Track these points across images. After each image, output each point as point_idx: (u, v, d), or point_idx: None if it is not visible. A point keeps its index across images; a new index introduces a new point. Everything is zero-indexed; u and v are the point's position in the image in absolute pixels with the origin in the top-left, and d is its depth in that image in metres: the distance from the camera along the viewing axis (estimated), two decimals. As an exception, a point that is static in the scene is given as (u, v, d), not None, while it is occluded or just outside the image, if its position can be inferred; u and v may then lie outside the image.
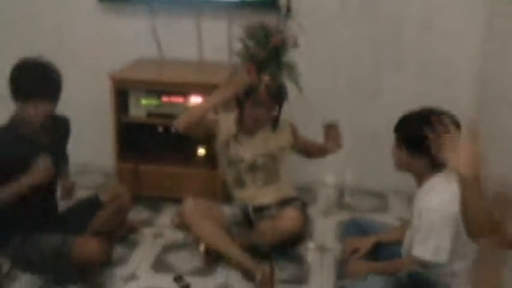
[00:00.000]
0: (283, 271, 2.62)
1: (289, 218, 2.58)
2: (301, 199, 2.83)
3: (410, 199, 3.36)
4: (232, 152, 2.74)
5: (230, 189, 2.84)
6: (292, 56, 2.79)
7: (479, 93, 3.30)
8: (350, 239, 2.49)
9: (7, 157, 2.27)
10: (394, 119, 3.36)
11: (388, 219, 3.09)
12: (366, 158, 3.52)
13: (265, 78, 2.55)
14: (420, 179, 2.19)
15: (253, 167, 2.73)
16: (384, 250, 2.40)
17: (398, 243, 2.33)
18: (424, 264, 2.08)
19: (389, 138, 3.42)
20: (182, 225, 2.72)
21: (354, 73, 3.39)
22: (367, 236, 2.48)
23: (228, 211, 2.76)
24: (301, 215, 2.64)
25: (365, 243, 2.41)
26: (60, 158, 2.54)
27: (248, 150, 2.72)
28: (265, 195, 2.74)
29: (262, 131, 2.73)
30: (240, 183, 2.76)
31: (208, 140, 2.91)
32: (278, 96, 2.63)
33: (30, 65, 2.33)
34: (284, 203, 2.72)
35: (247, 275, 2.55)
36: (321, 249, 2.85)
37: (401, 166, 2.25)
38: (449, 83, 3.33)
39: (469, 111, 3.28)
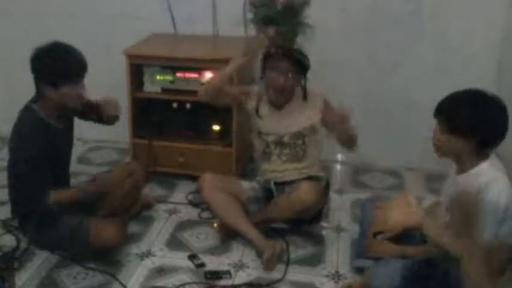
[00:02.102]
0: (298, 250, 2.62)
1: (305, 189, 2.49)
2: (327, 178, 2.75)
3: (427, 177, 3.37)
4: (260, 125, 2.68)
5: (256, 161, 2.82)
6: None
7: (500, 67, 3.23)
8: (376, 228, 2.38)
9: (35, 141, 2.33)
10: (411, 94, 3.35)
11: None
12: (382, 135, 3.48)
13: (270, 31, 2.47)
14: (464, 164, 2.07)
15: (280, 143, 2.66)
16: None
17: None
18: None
19: (405, 114, 3.40)
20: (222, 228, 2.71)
21: (371, 45, 3.33)
22: None
23: (247, 186, 2.75)
24: (318, 187, 2.56)
25: (393, 230, 2.26)
26: (72, 138, 2.63)
27: (275, 125, 2.65)
28: (289, 173, 2.67)
29: (291, 106, 2.64)
30: (266, 156, 2.71)
31: (238, 109, 2.91)
32: (296, 60, 2.52)
33: (56, 49, 2.36)
34: (309, 179, 2.65)
35: (258, 252, 2.54)
36: (337, 228, 2.84)
37: (443, 151, 2.11)
38: (469, 57, 3.26)
39: (489, 86, 3.24)
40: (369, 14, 3.27)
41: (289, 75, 2.53)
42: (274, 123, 2.65)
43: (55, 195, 2.37)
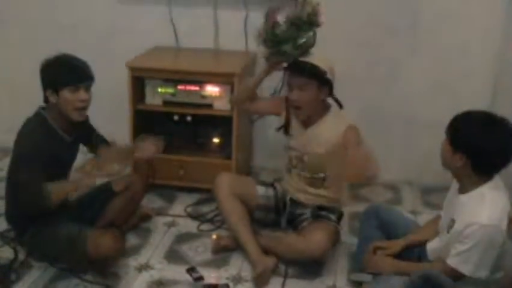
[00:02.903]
0: (296, 264, 2.61)
1: (316, 243, 2.45)
2: (340, 210, 2.73)
3: (424, 191, 3.38)
4: (288, 138, 2.68)
5: (283, 170, 2.80)
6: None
7: (497, 82, 3.26)
8: (377, 243, 2.40)
9: (44, 152, 2.33)
10: (409, 108, 3.37)
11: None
12: (380, 149, 3.47)
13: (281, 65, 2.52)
14: (467, 184, 2.10)
15: (301, 161, 2.63)
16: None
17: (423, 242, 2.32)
18: (459, 276, 2.04)
19: (403, 128, 3.42)
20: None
21: (370, 60, 3.35)
22: (386, 227, 2.48)
23: (261, 192, 2.74)
24: (331, 238, 2.53)
25: (394, 248, 2.34)
26: (76, 155, 2.64)
27: (298, 143, 2.62)
28: (305, 195, 2.67)
29: (318, 126, 2.57)
30: (289, 169, 2.71)
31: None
32: (310, 73, 2.44)
33: (59, 57, 2.43)
34: (322, 209, 2.65)
35: (252, 266, 2.54)
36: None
37: (446, 164, 2.16)
38: (467, 71, 3.29)
39: (486, 101, 3.27)
40: (368, 29, 3.29)
41: (303, 90, 2.47)
42: (298, 140, 2.63)
43: (52, 193, 2.32)
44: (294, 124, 2.65)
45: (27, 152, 2.35)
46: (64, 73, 2.39)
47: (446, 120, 3.31)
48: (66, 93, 2.37)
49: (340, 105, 2.62)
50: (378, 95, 3.41)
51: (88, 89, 2.43)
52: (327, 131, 2.55)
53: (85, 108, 2.45)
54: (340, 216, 2.71)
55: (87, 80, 2.42)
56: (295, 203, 2.70)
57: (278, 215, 2.76)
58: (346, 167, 2.34)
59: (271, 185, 2.81)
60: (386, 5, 3.24)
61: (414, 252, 2.33)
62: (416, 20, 3.25)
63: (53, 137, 2.42)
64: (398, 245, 2.36)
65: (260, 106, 2.81)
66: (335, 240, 2.62)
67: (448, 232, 2.14)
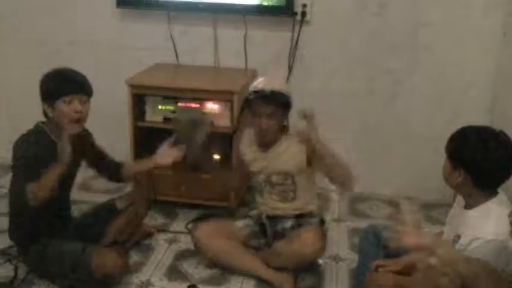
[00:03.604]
0: (298, 280, 2.62)
1: (309, 244, 2.51)
2: (320, 214, 2.77)
3: (423, 206, 3.40)
4: (250, 165, 2.72)
5: (254, 194, 2.82)
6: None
7: (495, 97, 3.29)
8: (379, 261, 2.37)
9: (37, 159, 2.32)
10: (408, 124, 3.40)
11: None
12: (379, 164, 3.52)
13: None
14: (471, 199, 2.10)
15: (269, 182, 2.68)
16: None
17: None
18: None
19: (402, 144, 3.45)
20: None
21: (369, 77, 3.39)
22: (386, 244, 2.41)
23: (241, 225, 2.76)
24: (321, 238, 2.57)
25: (396, 265, 2.32)
26: (75, 174, 2.63)
27: (262, 165, 2.67)
28: (282, 209, 2.70)
29: (278, 146, 2.63)
30: (259, 191, 2.74)
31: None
32: (277, 102, 2.50)
33: (59, 70, 2.46)
34: (301, 217, 2.68)
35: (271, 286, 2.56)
36: (335, 258, 2.86)
37: (451, 184, 2.15)
38: (464, 88, 3.33)
39: (484, 116, 3.30)
40: (368, 46, 3.33)
41: (271, 119, 2.52)
42: (261, 163, 2.67)
43: (34, 186, 2.24)
44: (254, 149, 2.70)
45: (22, 161, 2.34)
46: (59, 84, 2.40)
47: (445, 135, 3.36)
48: (61, 105, 2.37)
49: (285, 131, 2.66)
50: (377, 111, 3.44)
51: (83, 101, 2.42)
52: (289, 147, 2.61)
53: (80, 121, 2.43)
54: (322, 221, 2.72)
55: (82, 91, 2.42)
56: (273, 218, 2.72)
57: (265, 236, 2.75)
58: (329, 168, 2.46)
59: (247, 215, 2.83)
60: (385, 23, 3.29)
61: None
62: (415, 37, 3.29)
63: (51, 150, 2.38)
64: (400, 262, 2.34)
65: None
66: (324, 238, 2.62)
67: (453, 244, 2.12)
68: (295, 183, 2.65)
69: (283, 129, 2.65)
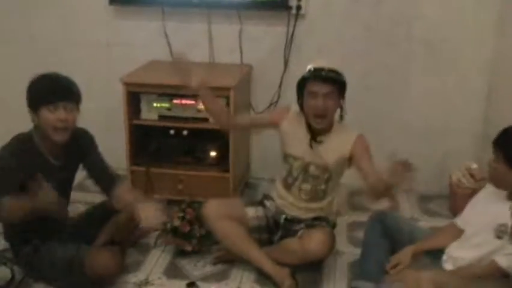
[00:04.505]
0: (296, 274, 2.58)
1: (317, 242, 2.47)
2: (333, 218, 2.72)
3: (420, 199, 3.39)
4: (290, 146, 2.60)
5: (276, 190, 2.73)
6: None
7: (491, 90, 3.29)
8: (388, 266, 2.37)
9: (18, 169, 2.27)
10: (403, 117, 3.39)
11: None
12: (375, 157, 3.50)
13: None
14: None
15: (305, 172, 2.58)
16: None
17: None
18: (504, 275, 2.06)
19: (398, 137, 3.43)
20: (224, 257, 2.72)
21: (365, 70, 3.37)
22: (391, 234, 2.47)
23: (251, 213, 2.67)
24: (329, 238, 2.53)
25: (404, 259, 2.33)
26: (71, 179, 2.60)
27: (305, 151, 2.56)
28: (303, 211, 2.64)
29: (327, 137, 2.54)
30: (287, 185, 2.65)
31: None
32: (333, 80, 2.44)
33: (45, 76, 2.38)
34: (316, 219, 2.63)
35: (277, 282, 2.53)
36: (334, 251, 2.83)
37: (498, 181, 2.16)
38: (459, 80, 3.32)
39: (479, 109, 3.31)
40: (364, 39, 3.32)
41: (330, 99, 2.45)
42: (304, 149, 2.56)
43: (9, 204, 2.21)
44: (301, 133, 2.58)
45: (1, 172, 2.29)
46: (43, 91, 2.33)
47: (441, 127, 3.37)
48: (45, 112, 2.30)
49: (341, 117, 2.60)
50: (373, 104, 3.43)
51: (69, 108, 2.34)
52: (336, 141, 2.55)
53: (65, 129, 2.36)
54: (333, 225, 2.70)
55: (67, 98, 2.34)
56: (290, 221, 2.66)
57: (271, 233, 2.71)
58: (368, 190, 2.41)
59: (260, 203, 2.75)
60: (380, 16, 3.27)
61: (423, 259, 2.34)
62: (411, 30, 3.28)
63: (36, 158, 2.36)
64: (406, 256, 2.34)
65: (254, 120, 2.80)
66: (333, 240, 2.59)
67: (498, 238, 2.12)
68: (328, 181, 2.59)
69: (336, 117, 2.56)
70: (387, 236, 2.47)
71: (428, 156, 3.41)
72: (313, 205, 2.63)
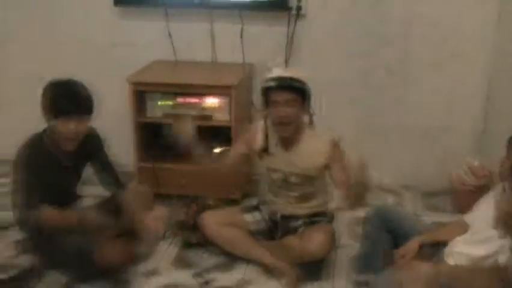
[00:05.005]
0: (297, 266, 2.66)
1: (317, 244, 2.52)
2: (330, 213, 2.78)
3: (423, 195, 3.46)
4: (269, 161, 2.64)
5: (264, 192, 2.82)
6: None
7: (490, 88, 3.35)
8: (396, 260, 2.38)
9: (38, 174, 2.39)
10: (404, 115, 3.47)
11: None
12: (378, 155, 3.57)
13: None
14: None
15: (286, 182, 2.62)
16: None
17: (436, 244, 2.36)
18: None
19: (400, 135, 3.51)
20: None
21: (365, 69, 3.45)
22: (391, 227, 2.49)
23: (249, 219, 2.76)
24: (330, 239, 2.59)
25: (411, 250, 2.35)
26: (80, 176, 2.72)
27: (282, 164, 2.59)
28: (297, 210, 2.69)
29: (298, 146, 2.57)
30: (273, 191, 2.71)
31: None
32: (295, 89, 2.44)
33: (61, 83, 2.44)
34: (314, 216, 2.69)
35: (273, 273, 2.62)
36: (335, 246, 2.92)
37: (508, 178, 2.15)
38: (460, 78, 3.38)
39: (479, 107, 3.38)
40: (362, 39, 3.39)
41: (291, 107, 2.45)
42: (281, 162, 2.59)
43: (46, 213, 2.37)
44: (273, 146, 2.61)
45: (23, 177, 2.42)
46: (57, 103, 2.40)
47: (441, 125, 3.44)
48: (58, 123, 2.40)
49: (311, 122, 2.60)
50: (372, 103, 3.50)
51: (81, 120, 2.43)
52: (310, 148, 2.56)
53: (75, 139, 2.47)
54: (331, 218, 2.76)
55: (79, 112, 2.42)
56: (287, 217, 2.72)
57: (272, 233, 2.78)
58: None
59: (256, 207, 2.83)
60: (380, 14, 3.34)
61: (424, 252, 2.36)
62: (409, 29, 3.34)
63: (48, 159, 2.46)
64: (413, 247, 2.35)
65: (233, 159, 2.73)
66: (333, 239, 2.66)
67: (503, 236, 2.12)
68: (314, 185, 2.64)
69: (306, 123, 2.58)
70: (388, 229, 2.50)
71: (429, 153, 3.49)
72: (305, 205, 2.68)
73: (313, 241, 2.53)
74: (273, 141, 2.61)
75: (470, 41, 3.31)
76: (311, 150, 2.56)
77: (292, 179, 2.61)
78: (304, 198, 2.66)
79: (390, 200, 3.44)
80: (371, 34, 3.38)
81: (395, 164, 3.58)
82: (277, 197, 2.71)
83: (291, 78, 2.45)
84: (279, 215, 2.73)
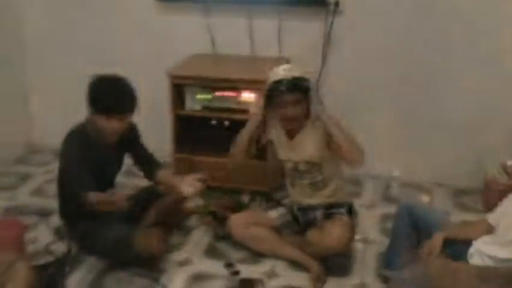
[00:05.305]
0: (327, 261, 2.73)
1: (337, 238, 2.59)
2: (348, 202, 2.81)
3: (455, 193, 3.45)
4: (279, 154, 2.80)
5: (287, 188, 2.90)
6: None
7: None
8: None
9: (79, 159, 2.51)
10: (441, 113, 3.45)
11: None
12: (413, 152, 3.59)
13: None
14: None
15: (297, 171, 2.73)
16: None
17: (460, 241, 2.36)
18: None
19: (435, 132, 3.50)
20: None
21: (404, 66, 3.45)
22: (418, 224, 2.51)
23: (275, 214, 2.85)
24: (348, 232, 2.64)
25: (436, 244, 2.36)
26: (118, 167, 2.84)
27: (290, 154, 2.73)
28: (312, 199, 2.77)
29: (302, 134, 2.68)
30: (291, 182, 2.82)
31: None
32: (299, 89, 2.54)
33: (107, 80, 2.53)
34: (330, 207, 2.74)
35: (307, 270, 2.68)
36: (365, 241, 2.97)
37: None
38: (500, 78, 3.34)
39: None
40: (402, 39, 3.40)
41: (298, 105, 2.56)
42: (288, 152, 2.73)
43: (96, 196, 2.45)
44: (278, 137, 2.75)
45: (71, 166, 2.54)
46: (102, 101, 2.50)
47: (479, 123, 3.40)
48: (102, 119, 2.51)
49: (308, 115, 2.64)
50: (412, 100, 3.51)
51: (122, 119, 2.53)
52: (312, 133, 2.66)
53: (116, 134, 2.58)
54: (350, 208, 2.78)
55: (122, 112, 2.52)
56: (304, 209, 2.80)
57: (299, 223, 2.85)
58: (339, 148, 2.53)
59: (279, 203, 2.92)
60: (418, 11, 3.33)
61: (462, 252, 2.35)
62: (449, 24, 3.31)
63: (91, 150, 2.57)
64: (437, 241, 2.36)
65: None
66: (352, 232, 2.69)
67: None
68: (321, 172, 2.71)
69: (307, 115, 2.65)
70: (414, 226, 2.52)
71: (465, 151, 3.47)
72: (320, 193, 2.75)
73: (332, 235, 2.59)
74: (280, 135, 2.74)
75: (509, 38, 3.26)
76: (313, 134, 2.66)
77: (301, 167, 2.71)
78: (316, 186, 2.74)
79: (423, 198, 3.43)
80: (409, 31, 3.37)
81: (431, 161, 3.58)
82: (294, 187, 2.81)
83: (297, 79, 2.55)
84: (296, 208, 2.81)
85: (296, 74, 2.56)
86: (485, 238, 2.30)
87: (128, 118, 2.57)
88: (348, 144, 2.53)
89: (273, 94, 2.59)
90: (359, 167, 2.62)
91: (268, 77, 2.63)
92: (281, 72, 2.58)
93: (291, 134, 2.72)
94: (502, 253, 2.19)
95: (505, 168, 3.16)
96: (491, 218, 2.37)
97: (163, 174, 2.85)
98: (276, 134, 2.79)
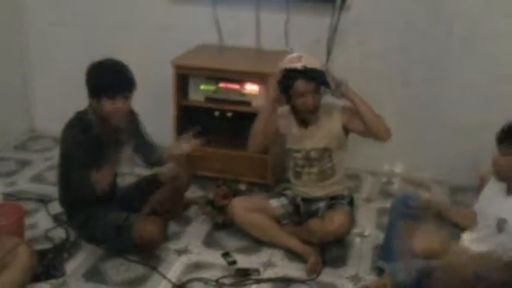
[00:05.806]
0: (324, 253, 2.76)
1: (338, 224, 2.66)
2: (349, 196, 2.89)
3: (452, 190, 3.47)
4: (289, 144, 2.83)
5: (289, 177, 2.95)
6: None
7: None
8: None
9: (81, 146, 2.53)
10: (441, 111, 3.46)
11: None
12: (412, 149, 3.61)
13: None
14: None
15: (308, 159, 2.78)
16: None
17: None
18: None
19: (435, 130, 3.51)
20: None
21: (405, 64, 3.46)
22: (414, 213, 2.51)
23: (276, 204, 2.87)
24: (349, 219, 2.72)
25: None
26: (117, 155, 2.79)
27: (303, 142, 2.78)
28: (318, 190, 2.83)
29: (316, 124, 2.75)
30: (296, 174, 2.86)
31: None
32: (315, 78, 2.61)
33: (102, 65, 2.55)
34: (333, 198, 2.82)
35: (303, 259, 2.72)
36: (361, 234, 3.00)
37: (506, 176, 2.25)
38: (499, 78, 3.34)
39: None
40: (405, 35, 3.40)
41: (316, 94, 2.65)
42: (302, 140, 2.78)
43: (95, 176, 2.48)
44: (295, 128, 2.79)
45: (73, 153, 2.56)
46: (105, 84, 2.52)
47: (477, 122, 3.41)
48: (105, 102, 2.52)
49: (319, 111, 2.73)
50: (413, 97, 3.52)
51: (126, 98, 2.56)
52: (326, 121, 2.75)
53: (124, 115, 2.60)
54: (351, 200, 2.87)
55: (125, 90, 2.54)
56: (308, 201, 2.85)
57: (299, 215, 2.89)
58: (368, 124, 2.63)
59: (281, 193, 2.95)
60: (423, 10, 3.34)
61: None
62: (452, 25, 3.33)
63: (93, 137, 2.58)
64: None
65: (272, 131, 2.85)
66: (353, 220, 2.79)
67: (500, 232, 2.21)
68: (331, 159, 2.77)
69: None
70: (410, 215, 2.50)
71: (464, 150, 3.47)
72: (327, 182, 2.81)
73: (335, 221, 2.66)
74: (294, 125, 2.79)
75: (510, 39, 3.27)
76: (327, 122, 2.75)
77: (312, 154, 2.76)
78: (323, 175, 2.79)
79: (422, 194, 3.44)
80: (413, 29, 3.38)
81: (430, 158, 3.60)
82: (298, 179, 2.84)
83: (315, 71, 2.60)
84: (299, 199, 2.85)
85: (313, 64, 2.62)
86: (468, 235, 2.36)
87: (131, 97, 2.58)
88: (376, 119, 2.64)
89: (289, 83, 2.62)
90: (386, 140, 2.69)
91: (282, 65, 2.65)
92: (296, 62, 2.61)
93: (306, 124, 2.76)
94: (480, 248, 2.24)
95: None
96: (476, 207, 2.45)
97: (161, 152, 2.89)
98: (285, 124, 2.81)
